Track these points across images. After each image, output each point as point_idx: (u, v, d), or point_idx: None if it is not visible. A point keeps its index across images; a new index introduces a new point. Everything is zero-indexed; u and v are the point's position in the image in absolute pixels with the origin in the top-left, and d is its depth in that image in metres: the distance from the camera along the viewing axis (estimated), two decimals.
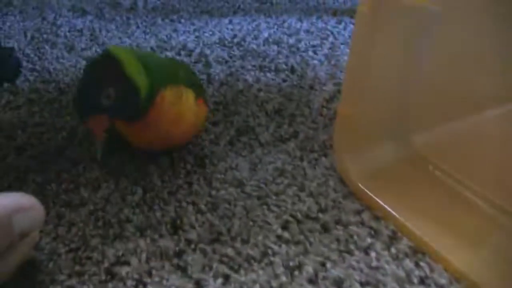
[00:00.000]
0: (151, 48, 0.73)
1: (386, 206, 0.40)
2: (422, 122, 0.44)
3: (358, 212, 0.41)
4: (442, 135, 0.44)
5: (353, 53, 0.40)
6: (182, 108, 0.42)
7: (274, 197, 0.42)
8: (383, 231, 0.39)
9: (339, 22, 0.83)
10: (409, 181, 0.43)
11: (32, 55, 0.69)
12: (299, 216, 0.40)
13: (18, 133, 0.51)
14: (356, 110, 0.42)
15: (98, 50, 0.72)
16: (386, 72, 0.41)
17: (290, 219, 0.40)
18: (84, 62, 0.68)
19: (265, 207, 0.41)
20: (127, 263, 0.36)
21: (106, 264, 0.36)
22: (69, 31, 0.79)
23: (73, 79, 0.63)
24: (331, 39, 0.76)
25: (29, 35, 0.77)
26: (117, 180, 0.44)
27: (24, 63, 0.67)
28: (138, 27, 0.81)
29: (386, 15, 0.38)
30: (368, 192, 0.41)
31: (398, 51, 0.41)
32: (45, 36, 0.77)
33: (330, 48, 0.72)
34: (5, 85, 0.61)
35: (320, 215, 0.41)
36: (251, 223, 0.40)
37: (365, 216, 0.41)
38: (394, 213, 0.40)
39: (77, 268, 0.36)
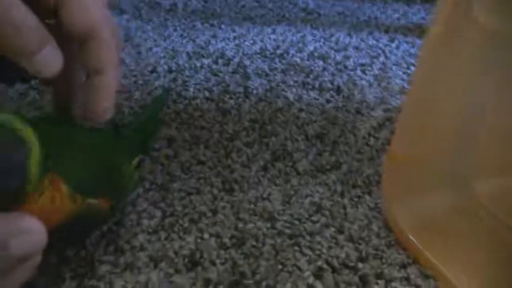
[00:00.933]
0: (187, 53, 0.68)
1: (437, 263, 0.35)
2: (487, 168, 0.38)
3: (404, 266, 0.36)
4: (510, 185, 0.38)
5: (417, 83, 0.35)
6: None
7: (308, 238, 0.37)
8: None
9: (392, 40, 0.77)
10: (467, 236, 0.37)
11: None
12: (335, 263, 0.35)
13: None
14: (412, 151, 0.37)
15: (132, 51, 0.68)
16: (451, 108, 0.36)
17: (325, 266, 0.35)
18: None
19: (297, 248, 0.36)
20: None
21: None
22: None
23: None
24: (382, 58, 0.70)
25: None
26: (133, 199, 0.40)
27: None
28: (175, 29, 0.77)
29: (460, 41, 0.32)
30: (418, 244, 0.36)
31: (466, 84, 0.36)
32: None
33: (380, 69, 0.67)
34: (33, 82, 0.58)
35: (360, 264, 0.35)
36: (280, 266, 0.35)
37: (412, 271, 0.35)
38: (446, 272, 0.34)
39: None
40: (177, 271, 0.34)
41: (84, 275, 0.33)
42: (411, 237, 0.36)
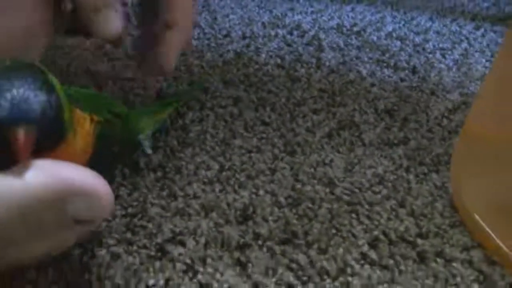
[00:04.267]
0: (263, 23, 0.68)
1: (506, 249, 0.32)
2: None
3: (467, 249, 0.33)
4: None
5: (500, 58, 0.32)
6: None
7: (367, 207, 0.36)
8: (496, 281, 0.31)
9: (477, 28, 0.72)
10: None
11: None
12: (392, 235, 0.33)
13: (109, 83, 0.49)
14: (492, 128, 0.34)
15: (208, 17, 0.69)
16: None
17: (382, 237, 0.33)
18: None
19: (354, 215, 0.35)
20: (183, 244, 0.31)
21: (159, 239, 0.31)
22: None
23: None
24: (464, 44, 0.66)
25: None
26: (193, 150, 0.40)
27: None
28: (253, 0, 0.76)
29: None
30: (485, 227, 0.33)
31: None
32: None
33: (461, 54, 0.63)
34: None
35: (419, 240, 0.33)
36: (334, 230, 0.33)
37: (476, 255, 0.32)
38: None
39: (129, 235, 0.32)
40: (228, 222, 0.33)
41: (134, 215, 0.33)
42: (477, 218, 0.33)
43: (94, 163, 0.27)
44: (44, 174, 0.22)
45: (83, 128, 0.27)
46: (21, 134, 0.21)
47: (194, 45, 0.59)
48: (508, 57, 0.34)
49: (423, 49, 0.64)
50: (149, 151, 0.37)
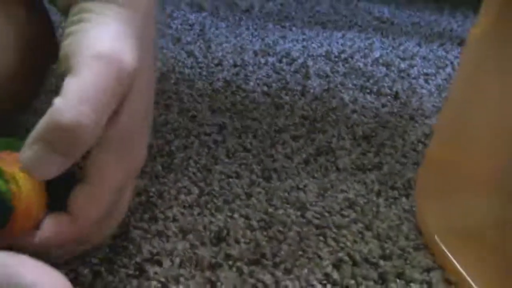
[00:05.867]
0: (254, 51, 0.71)
1: (462, 271, 0.34)
2: None
3: (427, 270, 0.35)
4: None
5: (460, 84, 0.35)
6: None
7: (334, 230, 0.38)
8: None
9: None
10: (503, 250, 0.36)
11: None
12: (357, 257, 0.35)
13: None
14: (452, 153, 0.37)
15: (203, 45, 0.72)
16: (502, 112, 0.35)
17: (346, 258, 0.35)
18: (185, 55, 0.67)
19: (322, 238, 0.37)
20: (159, 263, 0.34)
21: (138, 259, 0.34)
22: (181, 24, 0.79)
23: (169, 70, 0.62)
24: (448, 69, 0.69)
25: None
26: (176, 175, 0.43)
27: None
28: (247, 29, 0.79)
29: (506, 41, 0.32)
30: (444, 249, 0.35)
31: None
32: (159, 26, 0.78)
33: (444, 79, 0.65)
34: None
35: (382, 262, 0.35)
36: (300, 252, 0.36)
37: (434, 276, 0.35)
38: (471, 282, 0.33)
39: (110, 255, 0.34)
40: (202, 243, 0.36)
41: (118, 236, 0.36)
42: (437, 239, 0.35)
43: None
44: None
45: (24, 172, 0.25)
46: None
47: (186, 73, 0.62)
48: (465, 80, 0.36)
49: (408, 74, 0.66)
50: None
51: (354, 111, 0.55)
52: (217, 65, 0.66)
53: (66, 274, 0.32)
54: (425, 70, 0.68)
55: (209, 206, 0.39)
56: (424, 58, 0.72)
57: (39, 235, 0.26)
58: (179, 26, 0.79)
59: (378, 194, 0.42)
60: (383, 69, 0.67)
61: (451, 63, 0.71)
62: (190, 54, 0.68)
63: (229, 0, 0.95)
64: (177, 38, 0.74)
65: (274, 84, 0.61)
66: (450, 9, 1.01)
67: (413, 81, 0.64)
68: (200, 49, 0.71)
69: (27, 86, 0.35)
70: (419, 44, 0.78)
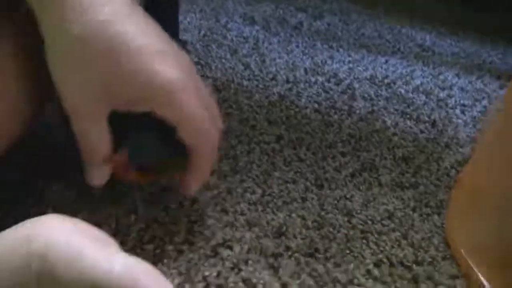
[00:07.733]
0: (305, 68, 0.78)
1: (485, 282, 0.40)
2: None
3: (453, 277, 0.42)
4: None
5: (499, 116, 0.41)
6: None
7: (376, 235, 0.45)
8: None
9: (501, 87, 0.81)
10: None
11: (200, 51, 0.78)
12: (393, 260, 0.42)
13: None
14: (483, 181, 0.43)
15: (258, 59, 0.79)
16: None
17: (385, 260, 0.42)
18: (242, 67, 0.75)
19: (364, 241, 0.44)
20: (230, 248, 0.41)
21: (213, 243, 0.41)
22: (236, 36, 0.87)
23: (229, 80, 0.70)
24: (485, 102, 0.75)
25: (202, 32, 0.86)
26: (241, 176, 0.50)
27: (192, 56, 0.76)
28: (297, 46, 0.87)
29: None
30: (469, 261, 0.42)
31: None
32: (215, 36, 0.86)
33: (480, 111, 0.71)
34: None
35: (415, 266, 0.42)
36: (347, 251, 0.42)
37: (459, 283, 0.41)
38: None
39: (190, 237, 0.42)
40: (266, 235, 0.43)
41: (195, 222, 0.43)
42: (463, 252, 0.42)
43: None
44: (130, 272, 0.22)
45: None
46: None
47: (244, 85, 0.70)
48: (507, 117, 0.43)
49: (446, 104, 0.73)
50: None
51: (395, 134, 0.62)
52: (271, 79, 0.73)
53: (154, 250, 0.40)
54: (462, 101, 0.74)
55: (270, 205, 0.47)
56: (462, 89, 0.78)
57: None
58: (235, 38, 0.86)
59: (414, 209, 0.49)
60: (423, 97, 0.74)
61: (488, 96, 0.77)
62: (246, 66, 0.76)
63: (279, 15, 1.02)
64: (234, 49, 0.81)
65: (323, 102, 0.68)
66: (492, 41, 1.07)
67: (450, 110, 0.71)
68: (256, 62, 0.78)
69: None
70: (458, 75, 0.84)
